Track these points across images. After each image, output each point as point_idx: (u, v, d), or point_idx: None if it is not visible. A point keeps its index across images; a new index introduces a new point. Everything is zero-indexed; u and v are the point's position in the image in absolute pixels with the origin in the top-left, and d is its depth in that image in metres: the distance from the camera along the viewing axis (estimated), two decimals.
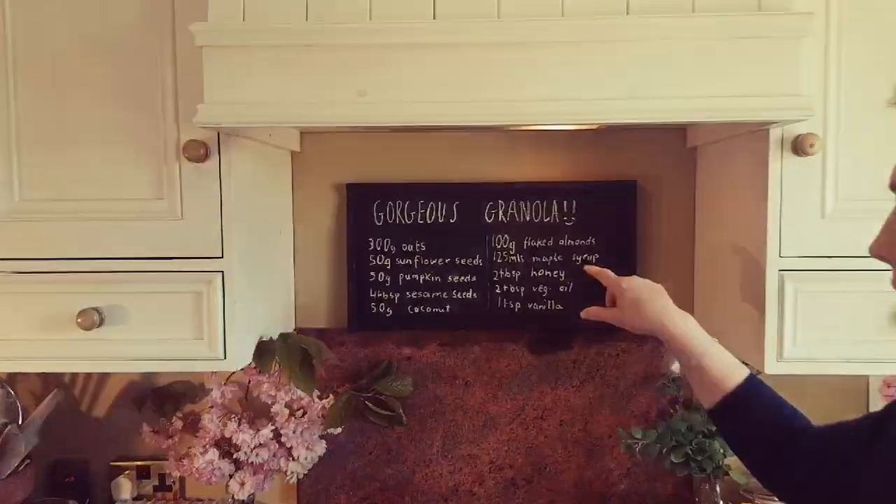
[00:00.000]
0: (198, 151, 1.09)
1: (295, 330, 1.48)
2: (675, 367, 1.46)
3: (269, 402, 1.30)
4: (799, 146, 1.07)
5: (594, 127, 1.36)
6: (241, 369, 1.22)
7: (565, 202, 1.45)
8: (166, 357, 1.14)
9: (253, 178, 1.24)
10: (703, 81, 1.00)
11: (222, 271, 1.13)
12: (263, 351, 1.22)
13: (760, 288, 1.13)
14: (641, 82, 1.00)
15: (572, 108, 1.02)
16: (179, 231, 1.13)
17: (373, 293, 1.48)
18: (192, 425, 1.40)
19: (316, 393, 1.35)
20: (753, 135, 1.14)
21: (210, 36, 1.00)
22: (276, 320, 1.38)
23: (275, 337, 1.27)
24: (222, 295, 1.14)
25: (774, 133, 1.09)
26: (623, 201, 1.44)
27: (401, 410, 1.44)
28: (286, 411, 1.34)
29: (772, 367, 1.12)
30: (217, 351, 1.14)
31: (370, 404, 1.43)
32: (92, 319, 1.11)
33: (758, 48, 0.98)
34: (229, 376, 1.31)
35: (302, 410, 1.37)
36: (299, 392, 1.31)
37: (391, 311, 1.48)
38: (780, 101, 0.99)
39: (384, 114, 1.00)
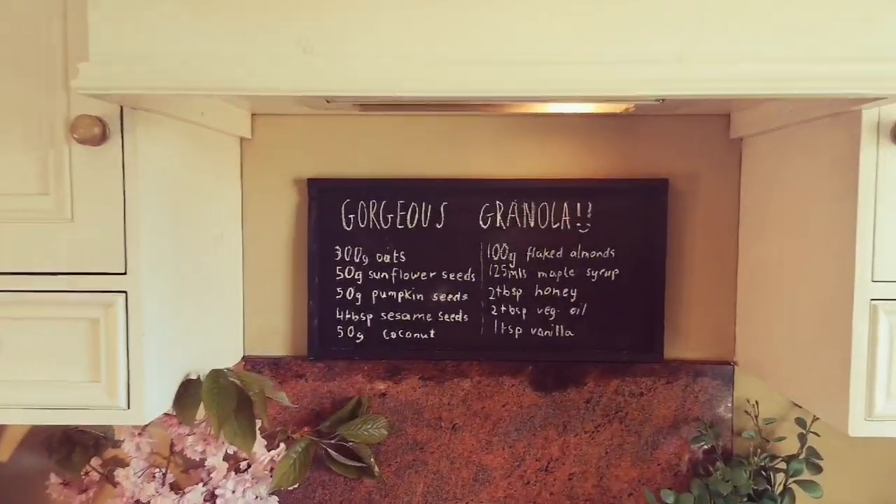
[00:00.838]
0: (91, 130, 0.81)
1: (243, 360, 1.20)
2: (711, 408, 1.17)
3: (198, 459, 1.01)
4: None
5: (619, 109, 1.08)
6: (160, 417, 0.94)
7: (579, 204, 1.17)
8: (51, 405, 0.86)
9: (178, 168, 0.96)
10: (782, 40, 0.72)
11: (126, 292, 0.85)
12: (186, 395, 0.94)
13: (843, 322, 0.85)
14: (697, 40, 0.72)
15: (597, 77, 0.74)
16: (69, 237, 0.85)
17: (340, 314, 1.20)
18: (113, 475, 1.12)
19: (262, 442, 1.07)
20: (835, 119, 0.86)
21: None
22: (214, 350, 1.09)
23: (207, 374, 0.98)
24: (125, 323, 0.85)
25: (868, 116, 0.81)
26: (651, 204, 1.16)
27: (372, 460, 1.16)
28: (224, 465, 1.05)
29: (858, 427, 0.84)
30: (117, 398, 0.86)
31: (334, 452, 1.14)
32: None
33: None
34: (145, 426, 1.02)
35: (246, 463, 1.09)
36: None
37: (362, 337, 1.20)
38: (892, 67, 0.71)
39: (336, 78, 0.71)
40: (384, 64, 0.70)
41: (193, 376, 0.99)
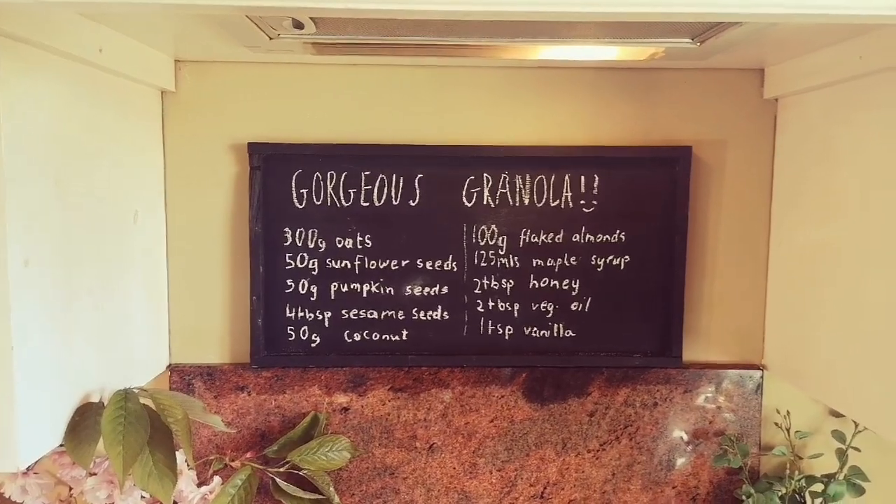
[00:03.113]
0: None
1: (169, 370, 0.97)
2: (736, 420, 0.99)
3: None
4: None
5: (645, 55, 0.86)
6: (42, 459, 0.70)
7: (583, 178, 0.97)
8: None
9: (67, 124, 0.71)
10: None
11: None
12: (82, 425, 0.71)
13: None
14: None
15: None
16: None
17: (290, 311, 0.97)
18: None
19: (191, 476, 0.84)
20: None
21: None
22: (128, 361, 0.86)
23: (111, 396, 0.75)
24: None
25: None
26: (670, 177, 0.97)
27: (332, 489, 0.94)
28: None
29: None
30: None
31: (283, 483, 0.92)
32: None
33: None
34: (35, 462, 0.78)
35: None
36: None
37: (319, 339, 0.98)
38: None
39: None
40: None
41: (95, 398, 0.76)
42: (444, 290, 0.98)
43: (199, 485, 0.86)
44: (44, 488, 0.79)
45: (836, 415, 1.01)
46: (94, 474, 0.75)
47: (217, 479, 0.88)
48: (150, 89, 0.91)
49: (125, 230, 0.85)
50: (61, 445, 0.72)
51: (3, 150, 0.61)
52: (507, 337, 0.99)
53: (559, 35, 0.73)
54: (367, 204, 0.96)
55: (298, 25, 0.68)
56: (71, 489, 0.80)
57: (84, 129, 0.75)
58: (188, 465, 0.82)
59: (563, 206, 0.97)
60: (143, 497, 0.83)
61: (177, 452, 0.75)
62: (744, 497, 0.95)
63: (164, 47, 0.87)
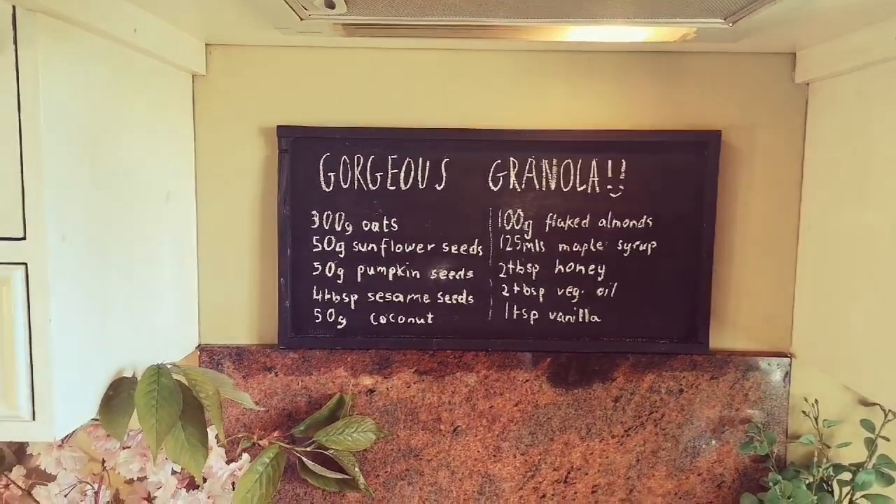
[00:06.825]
0: None
1: (198, 350, 0.98)
2: (763, 408, 0.98)
3: (135, 479, 0.80)
4: None
5: (677, 36, 0.85)
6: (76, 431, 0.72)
7: (611, 162, 0.96)
8: None
9: (103, 103, 0.73)
10: None
11: (26, 264, 0.63)
12: (116, 399, 0.72)
13: None
14: None
15: None
16: None
17: (317, 294, 0.98)
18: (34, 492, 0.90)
19: (220, 453, 0.86)
20: None
21: None
22: (159, 339, 0.87)
23: (144, 371, 0.77)
24: (25, 305, 0.63)
25: None
26: (699, 162, 0.96)
27: (357, 470, 0.95)
28: (173, 481, 0.84)
29: None
30: (17, 406, 0.64)
31: (310, 462, 0.93)
32: None
33: None
34: (69, 435, 0.80)
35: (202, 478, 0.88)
36: None
37: (345, 322, 0.99)
38: None
39: None
40: None
41: (128, 373, 0.77)
42: (470, 274, 0.98)
43: (229, 462, 0.88)
44: (78, 462, 0.81)
45: (866, 403, 1.00)
46: (128, 447, 0.77)
47: (245, 456, 0.89)
48: (181, 72, 0.92)
49: (157, 210, 0.86)
50: (95, 419, 0.73)
51: (43, 127, 0.62)
52: (531, 322, 0.99)
53: (590, 14, 0.73)
54: (394, 188, 0.97)
55: (330, 5, 0.69)
56: (104, 462, 0.82)
57: (118, 110, 0.76)
58: (218, 441, 0.83)
59: (589, 190, 0.97)
60: (174, 471, 0.85)
61: (207, 429, 0.77)
62: (771, 484, 0.94)
63: (194, 30, 0.88)
